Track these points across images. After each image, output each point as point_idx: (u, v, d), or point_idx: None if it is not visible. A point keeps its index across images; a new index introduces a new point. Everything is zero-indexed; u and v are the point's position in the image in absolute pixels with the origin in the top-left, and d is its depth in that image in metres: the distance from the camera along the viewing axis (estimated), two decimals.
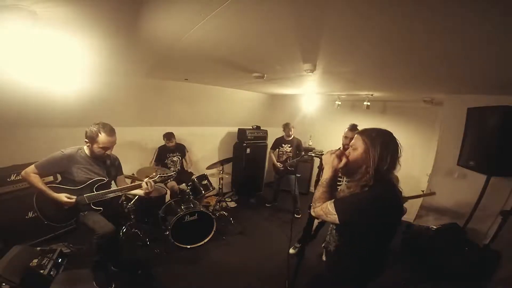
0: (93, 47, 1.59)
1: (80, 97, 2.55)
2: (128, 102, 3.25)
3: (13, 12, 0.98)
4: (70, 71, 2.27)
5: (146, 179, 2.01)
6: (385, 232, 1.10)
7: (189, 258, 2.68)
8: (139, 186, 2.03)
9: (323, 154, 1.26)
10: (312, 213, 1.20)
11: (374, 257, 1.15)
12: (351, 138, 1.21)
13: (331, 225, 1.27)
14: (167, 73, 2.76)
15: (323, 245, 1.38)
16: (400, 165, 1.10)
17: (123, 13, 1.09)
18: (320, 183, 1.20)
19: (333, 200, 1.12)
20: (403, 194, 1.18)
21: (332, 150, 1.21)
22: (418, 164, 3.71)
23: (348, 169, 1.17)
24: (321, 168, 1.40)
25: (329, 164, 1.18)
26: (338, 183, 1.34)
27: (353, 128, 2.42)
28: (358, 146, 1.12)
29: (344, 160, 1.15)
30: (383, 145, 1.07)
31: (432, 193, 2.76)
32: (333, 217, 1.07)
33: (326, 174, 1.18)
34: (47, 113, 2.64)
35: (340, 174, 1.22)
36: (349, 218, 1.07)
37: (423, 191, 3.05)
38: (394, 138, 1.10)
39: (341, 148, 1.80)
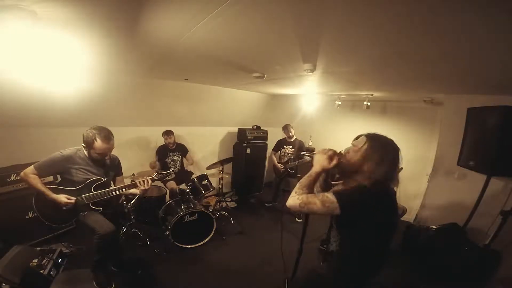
0: (93, 47, 1.58)
1: (80, 97, 2.55)
2: (128, 102, 3.25)
3: (13, 12, 0.97)
4: (70, 71, 2.27)
5: (141, 178, 1.99)
6: (384, 232, 1.09)
7: (189, 258, 2.68)
8: (135, 185, 2.02)
9: (315, 153, 1.25)
10: (296, 200, 1.07)
11: (374, 257, 1.14)
12: None
13: (333, 226, 1.25)
14: (167, 73, 2.76)
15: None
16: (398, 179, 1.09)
17: (123, 13, 1.08)
18: (309, 173, 1.17)
19: (331, 190, 1.09)
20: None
21: (325, 150, 1.18)
22: (418, 164, 3.71)
23: (344, 170, 1.15)
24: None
25: (319, 163, 1.16)
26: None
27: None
28: (360, 149, 1.09)
29: (334, 161, 1.13)
30: (384, 156, 1.04)
31: None
32: (333, 205, 1.00)
33: (315, 168, 1.17)
34: (47, 113, 2.64)
35: (337, 174, 1.21)
36: (352, 207, 1.01)
37: None
38: (397, 150, 1.07)
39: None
